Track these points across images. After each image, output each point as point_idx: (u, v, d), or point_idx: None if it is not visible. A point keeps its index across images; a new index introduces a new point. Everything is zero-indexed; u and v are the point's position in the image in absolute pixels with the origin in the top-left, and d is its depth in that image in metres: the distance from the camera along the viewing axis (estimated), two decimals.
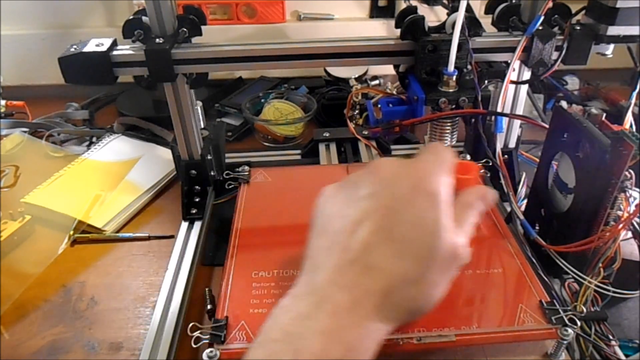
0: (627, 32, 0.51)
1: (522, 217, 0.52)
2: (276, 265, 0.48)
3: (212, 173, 0.65)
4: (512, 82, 0.57)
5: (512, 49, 0.54)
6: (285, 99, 0.83)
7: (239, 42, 0.55)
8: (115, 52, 0.53)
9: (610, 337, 0.43)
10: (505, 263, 0.48)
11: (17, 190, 0.68)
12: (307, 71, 0.95)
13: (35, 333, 0.50)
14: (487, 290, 0.45)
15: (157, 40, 0.53)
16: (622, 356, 0.42)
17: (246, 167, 0.62)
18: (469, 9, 0.52)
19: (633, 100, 0.57)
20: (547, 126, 0.51)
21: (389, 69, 0.60)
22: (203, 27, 0.56)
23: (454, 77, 0.53)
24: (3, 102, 0.86)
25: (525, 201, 0.58)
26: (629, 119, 0.54)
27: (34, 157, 0.76)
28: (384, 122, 0.57)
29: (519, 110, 0.62)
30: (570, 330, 0.40)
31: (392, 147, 0.74)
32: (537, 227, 0.53)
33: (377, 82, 0.93)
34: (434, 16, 0.91)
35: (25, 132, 0.81)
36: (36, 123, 0.84)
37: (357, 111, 0.70)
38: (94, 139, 0.80)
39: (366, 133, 0.68)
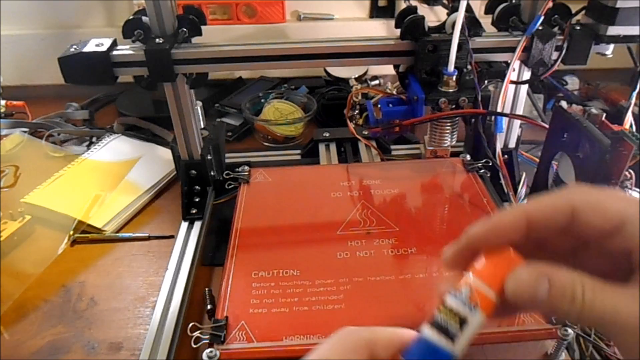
0: (627, 32, 0.51)
1: None
2: (276, 265, 0.48)
3: (212, 173, 0.65)
4: (512, 82, 0.57)
5: (512, 49, 0.54)
6: (285, 99, 0.83)
7: (239, 42, 0.55)
8: (115, 52, 0.53)
9: None
10: None
11: (17, 190, 0.68)
12: (307, 71, 0.95)
13: (35, 333, 0.50)
14: None
15: (157, 40, 0.53)
16: (621, 356, 0.42)
17: (246, 167, 0.62)
18: (469, 9, 0.52)
19: (633, 100, 0.57)
20: (547, 126, 0.51)
21: (389, 69, 0.60)
22: (203, 27, 0.56)
23: (454, 77, 0.53)
24: (3, 102, 0.86)
25: (525, 201, 0.58)
26: (629, 119, 0.54)
27: (34, 157, 0.76)
28: (384, 122, 0.57)
29: (519, 110, 0.62)
30: (570, 330, 0.40)
31: (392, 147, 0.74)
32: None
33: (377, 82, 0.93)
34: (434, 16, 0.91)
35: (25, 132, 0.81)
36: (36, 123, 0.84)
37: (357, 111, 0.70)
38: (94, 139, 0.80)
39: (366, 133, 0.68)
